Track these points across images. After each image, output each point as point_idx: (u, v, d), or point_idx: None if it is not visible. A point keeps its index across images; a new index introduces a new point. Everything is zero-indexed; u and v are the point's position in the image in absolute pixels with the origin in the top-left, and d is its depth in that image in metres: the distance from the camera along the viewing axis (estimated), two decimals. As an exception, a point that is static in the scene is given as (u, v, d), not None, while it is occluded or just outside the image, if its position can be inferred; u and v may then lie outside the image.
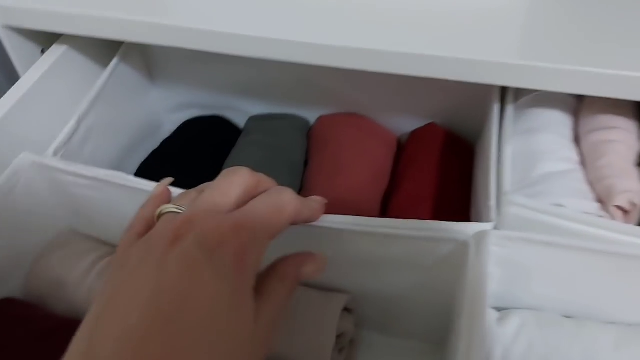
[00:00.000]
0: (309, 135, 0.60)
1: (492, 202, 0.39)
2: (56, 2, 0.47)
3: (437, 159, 0.51)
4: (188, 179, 0.57)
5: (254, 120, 0.61)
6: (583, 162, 0.42)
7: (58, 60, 0.50)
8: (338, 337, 0.42)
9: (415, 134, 0.56)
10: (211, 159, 0.59)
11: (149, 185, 0.41)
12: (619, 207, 0.38)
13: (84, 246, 0.47)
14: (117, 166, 0.56)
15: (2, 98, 0.46)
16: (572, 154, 0.42)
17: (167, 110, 0.64)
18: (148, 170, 0.58)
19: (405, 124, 0.58)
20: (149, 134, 0.62)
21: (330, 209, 0.50)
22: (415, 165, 0.51)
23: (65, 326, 0.41)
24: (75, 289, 0.44)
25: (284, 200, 0.29)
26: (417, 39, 0.42)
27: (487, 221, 0.38)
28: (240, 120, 0.64)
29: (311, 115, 0.61)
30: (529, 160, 0.41)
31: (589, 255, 0.36)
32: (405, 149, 0.56)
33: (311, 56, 0.44)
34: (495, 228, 0.38)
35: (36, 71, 0.48)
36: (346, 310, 0.44)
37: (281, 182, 0.53)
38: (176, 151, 0.60)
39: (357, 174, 0.52)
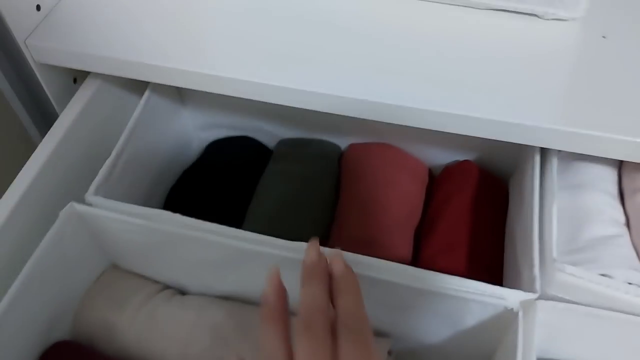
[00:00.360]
0: (340, 163, 0.59)
1: (537, 267, 0.39)
2: (84, 43, 0.46)
3: (472, 200, 0.51)
4: (218, 205, 0.57)
5: (284, 144, 0.61)
6: (628, 223, 0.42)
7: (92, 97, 0.49)
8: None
9: (449, 170, 0.56)
10: (240, 182, 0.59)
11: (188, 225, 0.42)
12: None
13: (129, 285, 0.47)
14: (150, 191, 0.56)
15: (43, 141, 0.45)
16: (619, 214, 0.42)
17: (196, 128, 0.63)
18: (178, 198, 0.58)
19: (437, 155, 0.58)
20: (178, 154, 0.61)
21: (363, 249, 0.51)
22: (450, 206, 0.51)
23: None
24: (125, 331, 0.44)
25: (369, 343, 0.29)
26: (453, 96, 0.41)
27: (533, 283, 0.39)
28: (269, 140, 0.63)
29: (341, 140, 0.61)
30: (575, 221, 0.42)
31: (633, 326, 0.37)
32: (439, 185, 0.56)
33: (342, 108, 0.44)
34: (541, 291, 0.39)
35: (72, 110, 0.47)
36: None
37: (312, 216, 0.54)
38: (205, 175, 0.59)
39: (390, 212, 0.52)
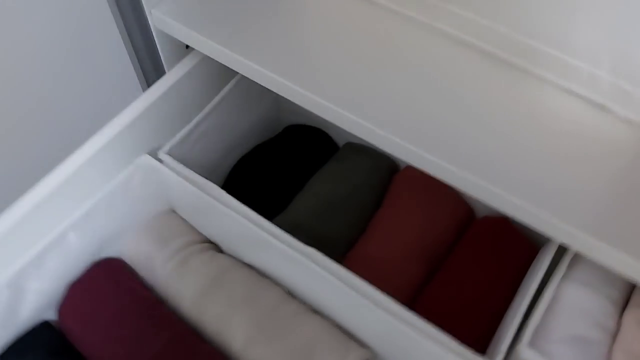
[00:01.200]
0: (393, 179, 0.63)
1: (506, 345, 0.42)
2: (194, 22, 0.51)
3: (490, 257, 0.53)
4: (274, 183, 0.64)
5: (348, 148, 0.66)
6: (616, 333, 0.44)
7: (194, 66, 0.56)
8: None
9: (483, 221, 0.58)
10: (301, 168, 0.65)
11: (227, 204, 0.49)
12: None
13: (177, 229, 0.56)
14: (224, 157, 0.63)
15: (143, 95, 0.53)
16: (610, 322, 0.43)
17: (282, 111, 0.70)
18: (243, 168, 0.65)
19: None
20: (261, 130, 0.68)
21: (377, 267, 0.55)
22: (467, 255, 0.55)
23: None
24: (160, 267, 0.53)
25: None
26: (493, 170, 0.43)
27: (496, 358, 0.42)
28: (340, 139, 0.68)
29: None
30: (564, 314, 0.44)
31: None
32: (469, 231, 0.58)
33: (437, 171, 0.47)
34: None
35: (175, 73, 0.55)
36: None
37: (351, 221, 0.59)
38: (272, 154, 0.66)
39: (414, 240, 0.56)
